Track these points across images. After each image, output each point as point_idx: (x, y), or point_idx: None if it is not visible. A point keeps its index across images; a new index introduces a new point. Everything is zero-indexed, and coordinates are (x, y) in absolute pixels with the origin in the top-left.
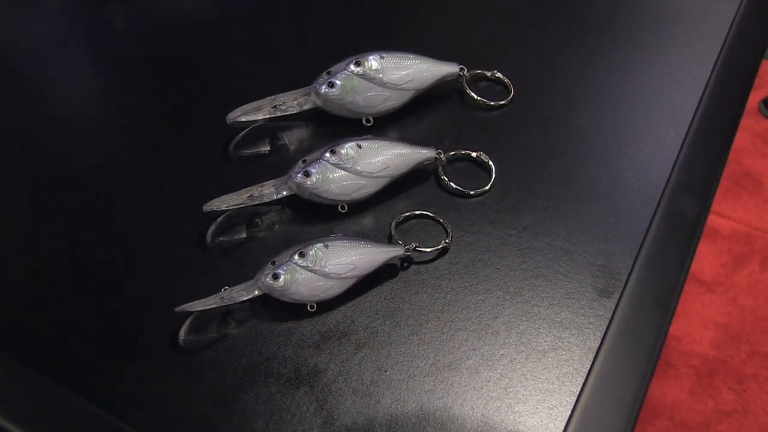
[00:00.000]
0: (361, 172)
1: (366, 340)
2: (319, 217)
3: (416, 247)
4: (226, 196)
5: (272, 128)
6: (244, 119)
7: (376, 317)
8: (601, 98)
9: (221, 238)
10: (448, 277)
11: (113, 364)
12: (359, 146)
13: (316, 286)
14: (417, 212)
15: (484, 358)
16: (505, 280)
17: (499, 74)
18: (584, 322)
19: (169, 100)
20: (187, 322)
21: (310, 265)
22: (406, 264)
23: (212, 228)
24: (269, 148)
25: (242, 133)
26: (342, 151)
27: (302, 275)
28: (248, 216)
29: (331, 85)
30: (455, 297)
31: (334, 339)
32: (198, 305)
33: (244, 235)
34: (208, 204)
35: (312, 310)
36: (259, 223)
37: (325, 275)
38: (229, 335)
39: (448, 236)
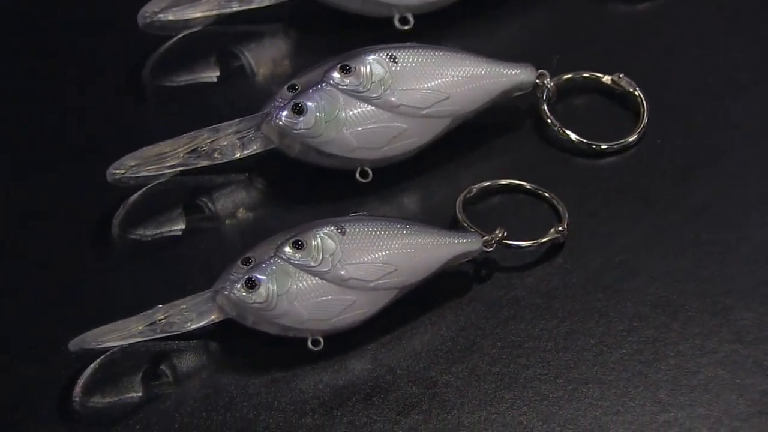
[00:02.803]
0: (398, 106)
1: (417, 401)
2: (321, 191)
3: (503, 238)
4: (146, 148)
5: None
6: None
7: (435, 361)
8: None
9: (138, 230)
10: (561, 292)
11: None
12: (393, 59)
13: (325, 302)
14: (502, 181)
15: (637, 429)
16: (668, 297)
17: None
18: None
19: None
20: (87, 374)
21: (312, 264)
22: (484, 269)
23: (120, 212)
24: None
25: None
26: (362, 69)
27: (299, 282)
28: (187, 190)
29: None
30: (575, 326)
31: (358, 399)
32: (108, 338)
33: (180, 225)
34: (115, 166)
35: (317, 349)
36: (208, 203)
37: (341, 282)
38: (161, 398)
39: (561, 223)
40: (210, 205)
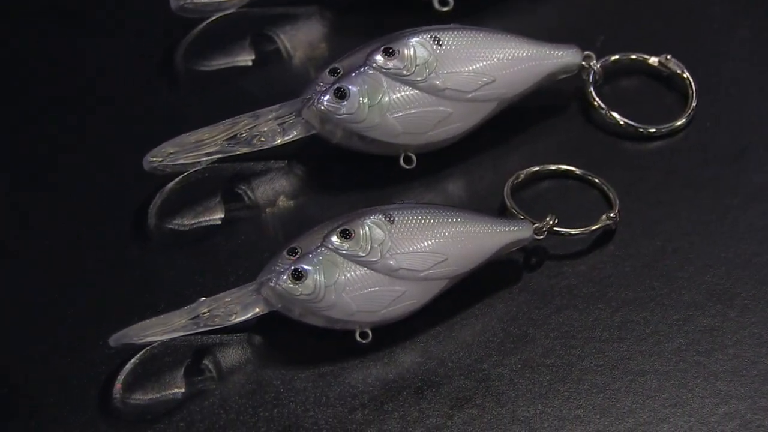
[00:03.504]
0: (443, 89)
1: (470, 395)
2: (363, 178)
3: (554, 226)
4: (184, 135)
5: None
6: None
7: (487, 353)
8: None
9: (176, 219)
10: (614, 280)
11: None
12: (437, 42)
13: (374, 293)
14: (551, 167)
15: (697, 421)
16: (724, 285)
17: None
18: None
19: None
20: (127, 370)
21: (361, 254)
22: (534, 257)
23: (157, 201)
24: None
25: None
26: (406, 52)
27: (348, 273)
28: (225, 178)
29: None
30: (630, 315)
31: (409, 393)
32: (150, 332)
33: (218, 214)
34: (153, 153)
35: (365, 341)
36: (247, 191)
37: (391, 273)
38: (205, 394)
39: (612, 209)
40: (249, 193)
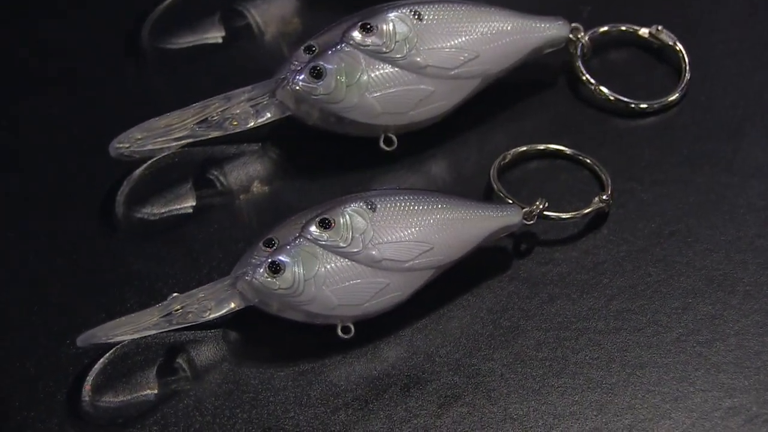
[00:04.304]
0: (424, 66)
1: (460, 391)
2: (342, 161)
3: (544, 210)
4: (152, 120)
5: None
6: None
7: (477, 347)
8: None
9: (145, 208)
10: (609, 267)
11: None
12: (418, 16)
13: (356, 285)
14: (540, 146)
15: (699, 416)
16: (724, 270)
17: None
18: None
19: None
20: (96, 370)
21: (342, 244)
22: (524, 243)
23: (124, 189)
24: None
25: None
26: (384, 27)
27: (328, 265)
28: (197, 163)
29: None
30: (626, 304)
31: (395, 391)
32: (119, 332)
33: (190, 201)
34: (119, 139)
35: (347, 337)
36: (220, 176)
37: (373, 264)
38: (179, 395)
39: (604, 190)
40: (222, 178)
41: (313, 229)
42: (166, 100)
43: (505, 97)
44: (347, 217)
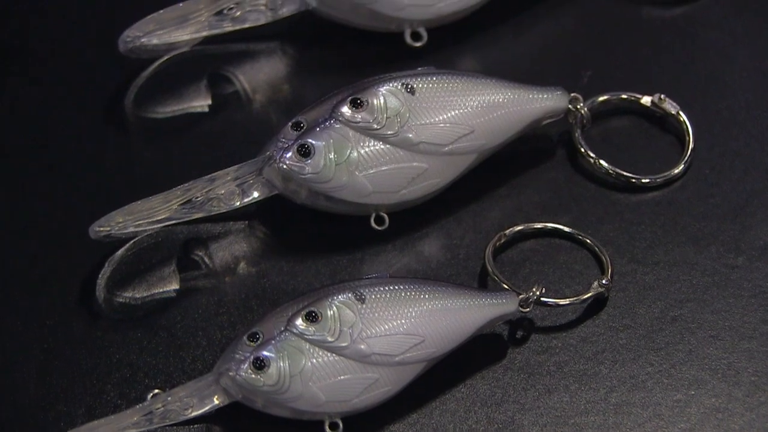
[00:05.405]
0: (417, 143)
1: None
2: (331, 241)
3: (541, 296)
4: (135, 203)
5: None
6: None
7: None
8: None
9: (127, 291)
10: (608, 355)
11: None
12: (409, 90)
13: (344, 381)
14: (537, 225)
15: None
16: (729, 360)
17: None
18: None
19: None
20: None
21: (329, 339)
22: (520, 330)
23: (106, 270)
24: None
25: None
26: (375, 102)
27: (315, 360)
28: (180, 243)
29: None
30: (626, 396)
31: None
32: None
33: (173, 284)
34: (100, 222)
35: None
36: (204, 257)
37: (362, 358)
38: None
39: (604, 273)
40: (207, 259)
41: (299, 322)
42: (150, 171)
43: (502, 169)
44: (335, 309)
